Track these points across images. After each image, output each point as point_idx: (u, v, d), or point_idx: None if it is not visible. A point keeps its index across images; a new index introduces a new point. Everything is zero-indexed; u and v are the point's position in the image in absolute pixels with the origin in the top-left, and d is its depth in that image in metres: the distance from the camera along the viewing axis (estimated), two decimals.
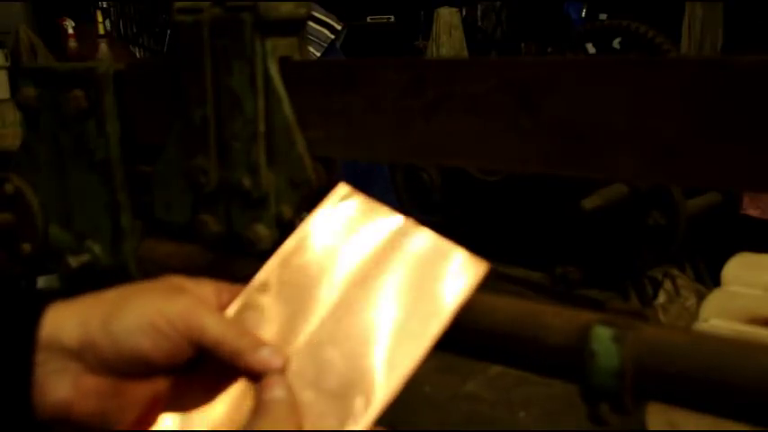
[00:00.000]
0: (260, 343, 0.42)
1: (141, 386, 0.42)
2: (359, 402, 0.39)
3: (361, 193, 0.47)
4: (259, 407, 0.40)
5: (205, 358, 0.42)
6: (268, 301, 0.44)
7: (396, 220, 0.45)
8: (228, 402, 0.42)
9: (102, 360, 0.41)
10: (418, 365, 0.40)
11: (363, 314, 0.42)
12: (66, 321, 0.42)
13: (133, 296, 0.43)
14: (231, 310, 0.45)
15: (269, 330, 0.43)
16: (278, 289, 0.44)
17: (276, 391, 0.40)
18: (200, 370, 0.43)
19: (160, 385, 0.43)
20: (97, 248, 0.67)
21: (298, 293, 0.44)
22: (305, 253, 0.45)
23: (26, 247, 0.72)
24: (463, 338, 0.45)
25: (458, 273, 0.43)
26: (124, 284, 0.45)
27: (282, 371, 0.41)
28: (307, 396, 0.40)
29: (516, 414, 0.80)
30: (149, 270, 0.66)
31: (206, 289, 0.45)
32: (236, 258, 0.57)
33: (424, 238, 0.45)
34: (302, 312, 0.43)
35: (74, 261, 0.67)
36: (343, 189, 0.47)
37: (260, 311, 0.44)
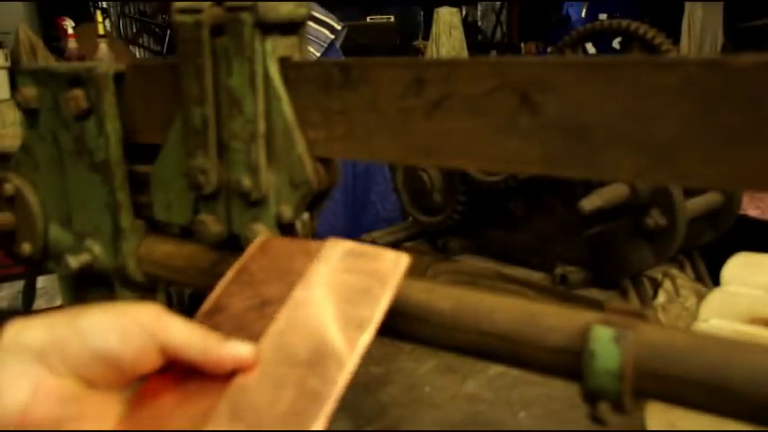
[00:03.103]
0: (227, 339, 0.42)
1: (103, 396, 0.41)
2: (332, 364, 0.41)
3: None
4: None
5: (166, 380, 0.42)
6: (221, 320, 0.46)
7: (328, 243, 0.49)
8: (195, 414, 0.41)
9: (67, 359, 0.40)
10: (376, 330, 0.43)
11: (314, 306, 0.45)
12: (30, 324, 0.41)
13: (95, 306, 0.42)
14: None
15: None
16: (231, 311, 0.46)
17: None
18: (164, 387, 0.42)
19: (120, 401, 0.42)
20: (97, 248, 0.67)
21: (248, 306, 0.46)
22: (246, 276, 0.49)
23: (26, 247, 0.72)
24: (463, 338, 0.45)
25: (390, 265, 0.47)
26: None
27: (253, 361, 0.41)
28: (282, 370, 0.41)
29: (516, 414, 0.80)
30: (149, 270, 0.66)
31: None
32: (237, 258, 0.57)
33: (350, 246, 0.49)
34: (257, 320, 0.45)
35: (74, 261, 0.67)
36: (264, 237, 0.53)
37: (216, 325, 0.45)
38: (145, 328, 0.41)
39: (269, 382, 0.41)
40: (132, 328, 0.40)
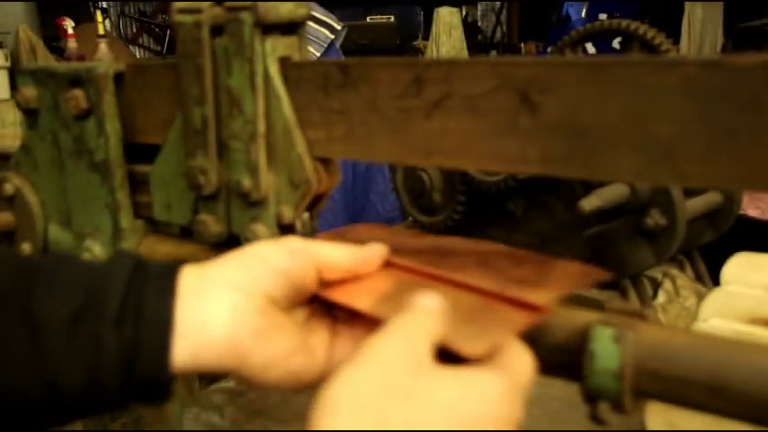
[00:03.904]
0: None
1: (286, 311, 0.45)
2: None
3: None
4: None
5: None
6: None
7: None
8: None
9: (254, 279, 0.44)
10: None
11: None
12: (207, 262, 0.46)
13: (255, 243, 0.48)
14: None
15: None
16: None
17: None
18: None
19: (295, 316, 0.47)
20: (97, 248, 0.67)
21: None
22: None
23: (26, 247, 0.72)
24: None
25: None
26: None
27: (387, 256, 0.47)
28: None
29: None
30: None
31: None
32: None
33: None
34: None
35: None
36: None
37: None
38: (305, 250, 0.45)
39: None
40: (294, 249, 0.45)
